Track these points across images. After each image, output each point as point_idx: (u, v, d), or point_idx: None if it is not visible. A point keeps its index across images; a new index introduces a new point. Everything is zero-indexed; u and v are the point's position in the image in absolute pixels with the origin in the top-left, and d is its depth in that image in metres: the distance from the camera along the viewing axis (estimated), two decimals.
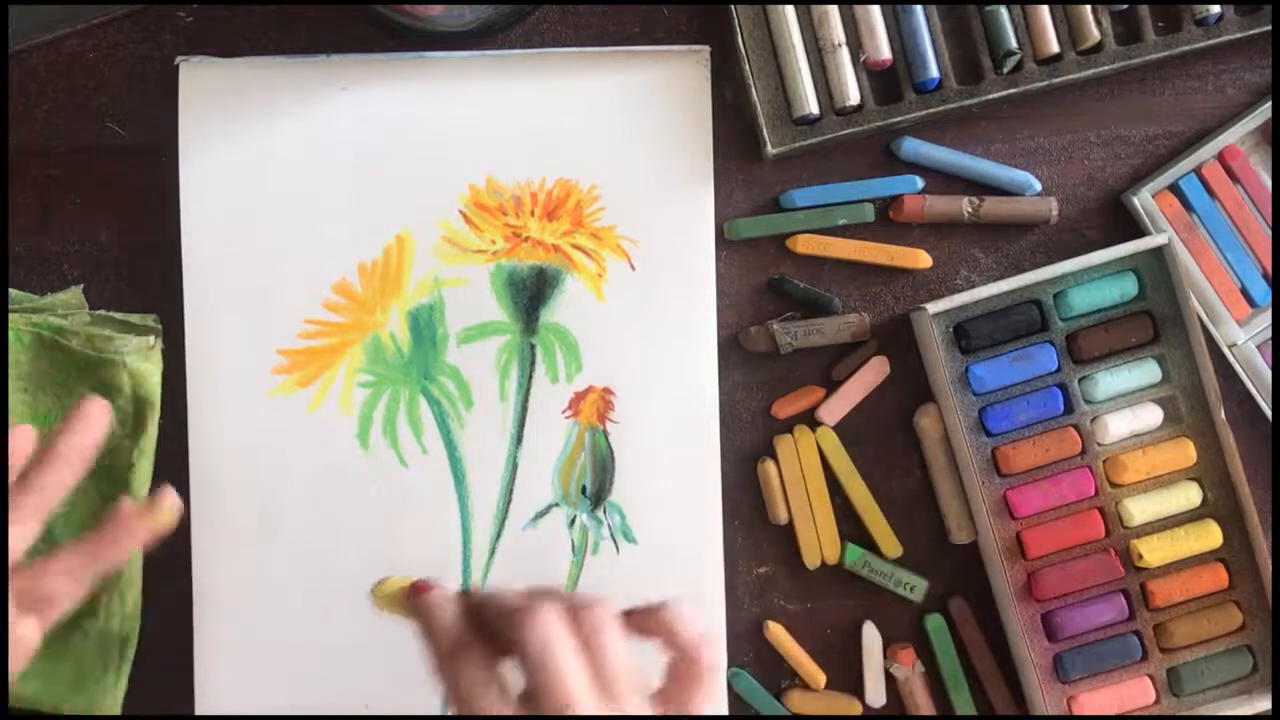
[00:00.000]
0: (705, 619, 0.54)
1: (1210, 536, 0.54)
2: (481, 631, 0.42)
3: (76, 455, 0.43)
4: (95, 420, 0.43)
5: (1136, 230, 0.55)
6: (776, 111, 0.54)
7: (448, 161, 0.53)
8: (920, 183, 0.55)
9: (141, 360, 0.51)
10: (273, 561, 0.53)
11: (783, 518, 0.54)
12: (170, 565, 0.53)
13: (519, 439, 0.54)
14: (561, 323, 0.54)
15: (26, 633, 0.40)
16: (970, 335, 0.53)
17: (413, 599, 0.44)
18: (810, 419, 0.55)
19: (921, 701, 0.55)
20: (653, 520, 0.54)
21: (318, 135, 0.53)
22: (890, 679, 0.55)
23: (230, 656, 0.52)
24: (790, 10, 0.53)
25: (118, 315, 0.52)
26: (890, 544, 0.55)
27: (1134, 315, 0.54)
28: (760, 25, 0.54)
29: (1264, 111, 0.55)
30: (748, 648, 0.55)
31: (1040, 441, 0.53)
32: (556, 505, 0.54)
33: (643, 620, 0.42)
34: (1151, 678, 0.54)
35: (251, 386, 0.53)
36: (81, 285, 0.52)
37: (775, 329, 0.54)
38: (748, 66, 0.53)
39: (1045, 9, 0.54)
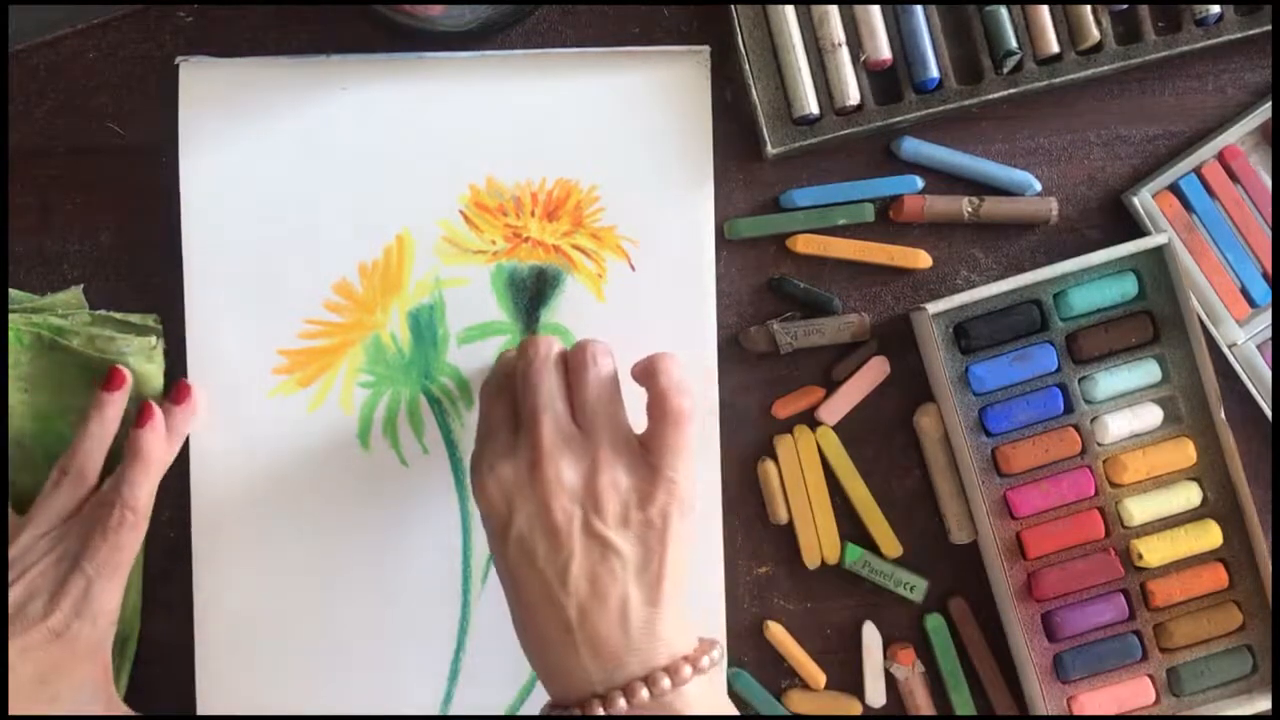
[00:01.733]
0: (705, 621, 0.54)
1: (1210, 536, 0.54)
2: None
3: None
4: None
5: (1136, 230, 0.55)
6: (776, 111, 0.54)
7: (448, 161, 0.53)
8: (920, 183, 0.55)
9: (144, 361, 0.51)
10: (273, 561, 0.53)
11: (783, 518, 0.54)
12: (170, 565, 0.53)
13: None
14: (561, 323, 0.54)
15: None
16: (970, 335, 0.53)
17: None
18: (810, 419, 0.55)
19: (921, 701, 0.55)
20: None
21: (318, 135, 0.53)
22: (890, 679, 0.55)
23: (230, 656, 0.52)
24: (790, 10, 0.53)
25: (118, 315, 0.52)
26: (890, 544, 0.55)
27: (1134, 315, 0.54)
28: (760, 25, 0.54)
29: (1264, 111, 0.55)
30: (748, 648, 0.55)
31: (1040, 441, 0.53)
32: None
33: (637, 367, 0.47)
34: (1151, 678, 0.54)
35: (252, 386, 0.53)
36: (81, 285, 0.52)
37: (775, 329, 0.54)
38: (748, 66, 0.53)
39: (1045, 9, 0.54)
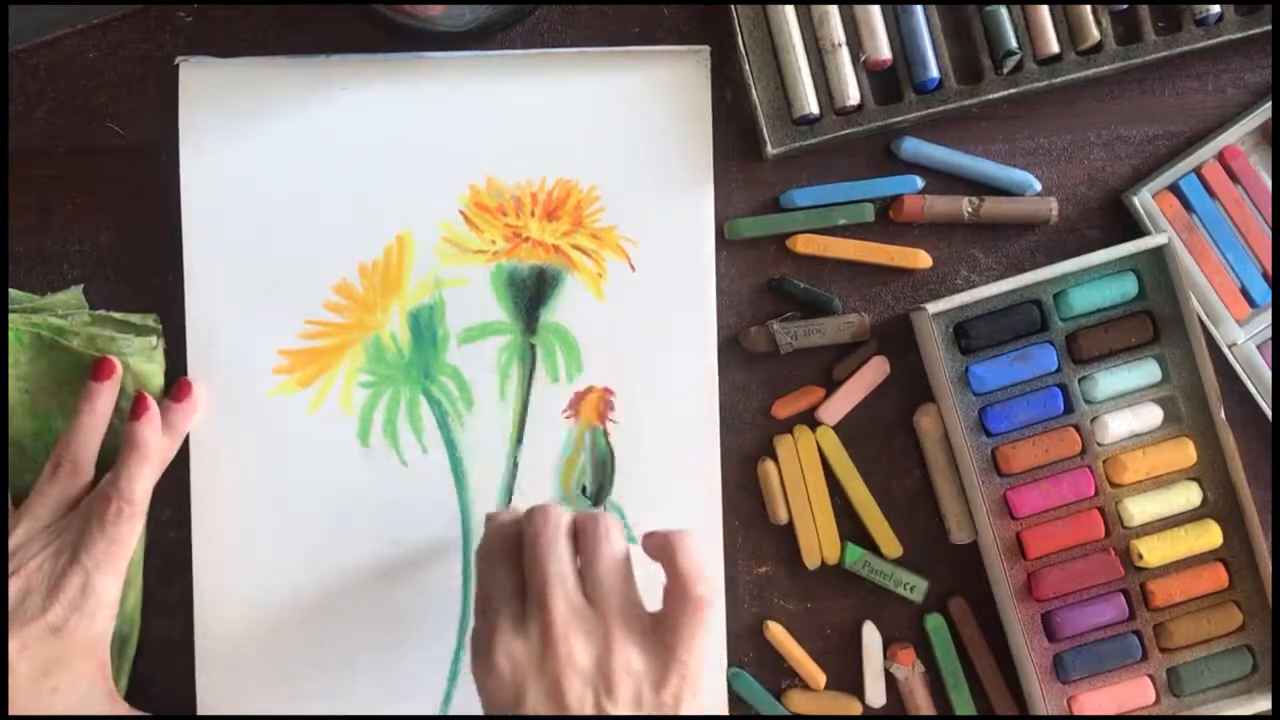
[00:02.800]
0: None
1: (1210, 536, 0.54)
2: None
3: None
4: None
5: (1136, 230, 0.55)
6: (776, 111, 0.54)
7: (448, 161, 0.53)
8: (920, 183, 0.55)
9: (144, 361, 0.51)
10: (273, 561, 0.53)
11: (783, 518, 0.54)
12: (170, 565, 0.53)
13: (519, 439, 0.54)
14: (561, 323, 0.54)
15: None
16: (970, 335, 0.53)
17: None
18: (810, 419, 0.55)
19: (921, 701, 0.55)
20: (653, 520, 0.54)
21: (318, 135, 0.53)
22: (890, 679, 0.55)
23: (231, 656, 0.52)
24: (790, 10, 0.53)
25: (118, 315, 0.52)
26: (890, 544, 0.55)
27: (1134, 315, 0.54)
28: (760, 25, 0.54)
29: (1264, 111, 0.55)
30: (748, 648, 0.55)
31: (1040, 441, 0.53)
32: None
33: (651, 541, 0.46)
34: (1151, 678, 0.54)
35: (252, 386, 0.53)
36: (81, 285, 0.53)
37: (775, 329, 0.54)
38: (748, 66, 0.53)
39: (1045, 9, 0.54)
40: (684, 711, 0.43)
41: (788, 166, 0.55)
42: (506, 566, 0.45)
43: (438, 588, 0.53)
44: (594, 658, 0.43)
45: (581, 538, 0.45)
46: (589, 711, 0.42)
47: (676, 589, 0.44)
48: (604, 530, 0.45)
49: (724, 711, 0.54)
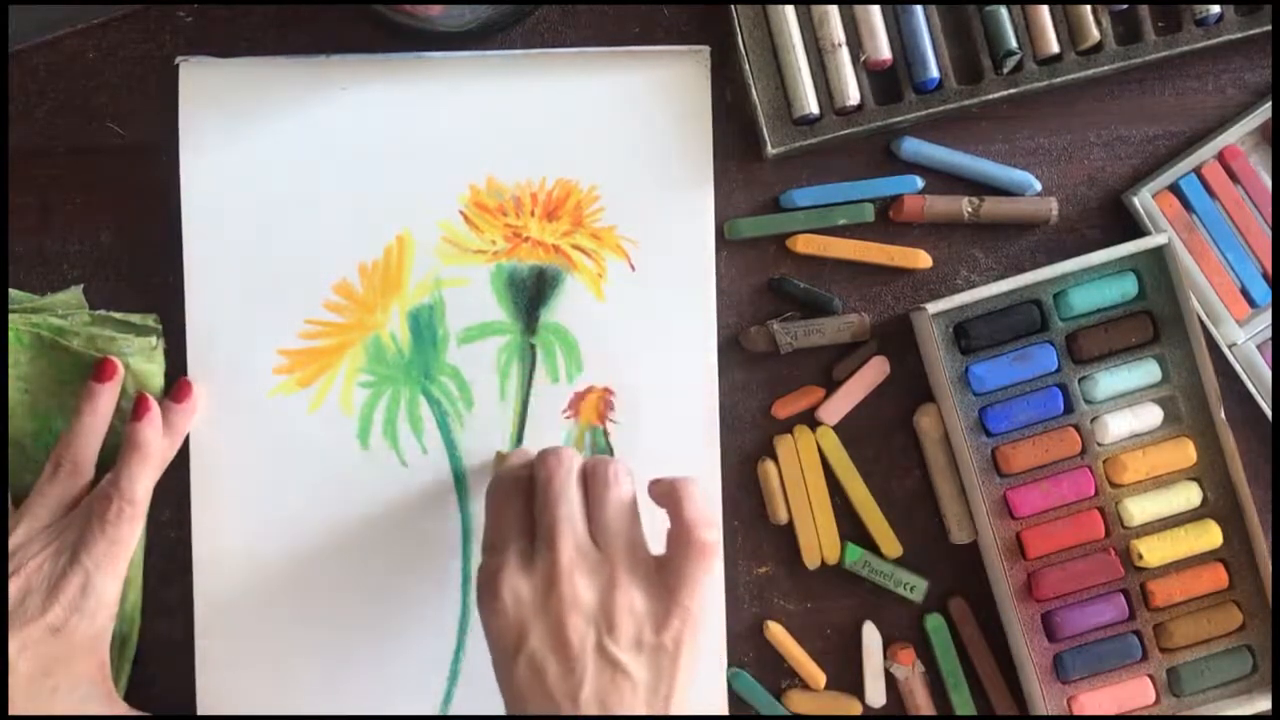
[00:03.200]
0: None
1: (1210, 536, 0.54)
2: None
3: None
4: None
5: (1136, 230, 0.55)
6: (776, 111, 0.54)
7: (448, 161, 0.53)
8: (920, 183, 0.55)
9: (144, 361, 0.51)
10: (272, 561, 0.53)
11: (783, 518, 0.54)
12: (170, 565, 0.53)
13: (519, 439, 0.54)
14: (561, 323, 0.54)
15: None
16: (970, 335, 0.53)
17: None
18: (810, 419, 0.55)
19: (921, 701, 0.55)
20: (653, 520, 0.54)
21: (318, 135, 0.53)
22: (890, 679, 0.55)
23: (230, 656, 0.52)
24: (790, 10, 0.53)
25: (118, 315, 0.52)
26: (890, 544, 0.55)
27: (1134, 315, 0.54)
28: (760, 25, 0.54)
29: (1264, 111, 0.55)
30: (748, 648, 0.55)
31: (1040, 441, 0.53)
32: None
33: (657, 487, 0.47)
34: (1151, 678, 0.54)
35: (252, 386, 0.53)
36: (81, 285, 0.52)
37: (775, 329, 0.54)
38: (748, 66, 0.53)
39: (1045, 9, 0.54)
40: (685, 653, 0.44)
41: (788, 166, 0.55)
42: (516, 507, 0.46)
43: (437, 587, 0.53)
44: (597, 597, 0.43)
45: (591, 481, 0.46)
46: (590, 648, 0.42)
47: (681, 534, 0.45)
48: (613, 474, 0.46)
49: (724, 711, 0.54)
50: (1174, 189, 0.55)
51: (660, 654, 0.43)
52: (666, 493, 0.46)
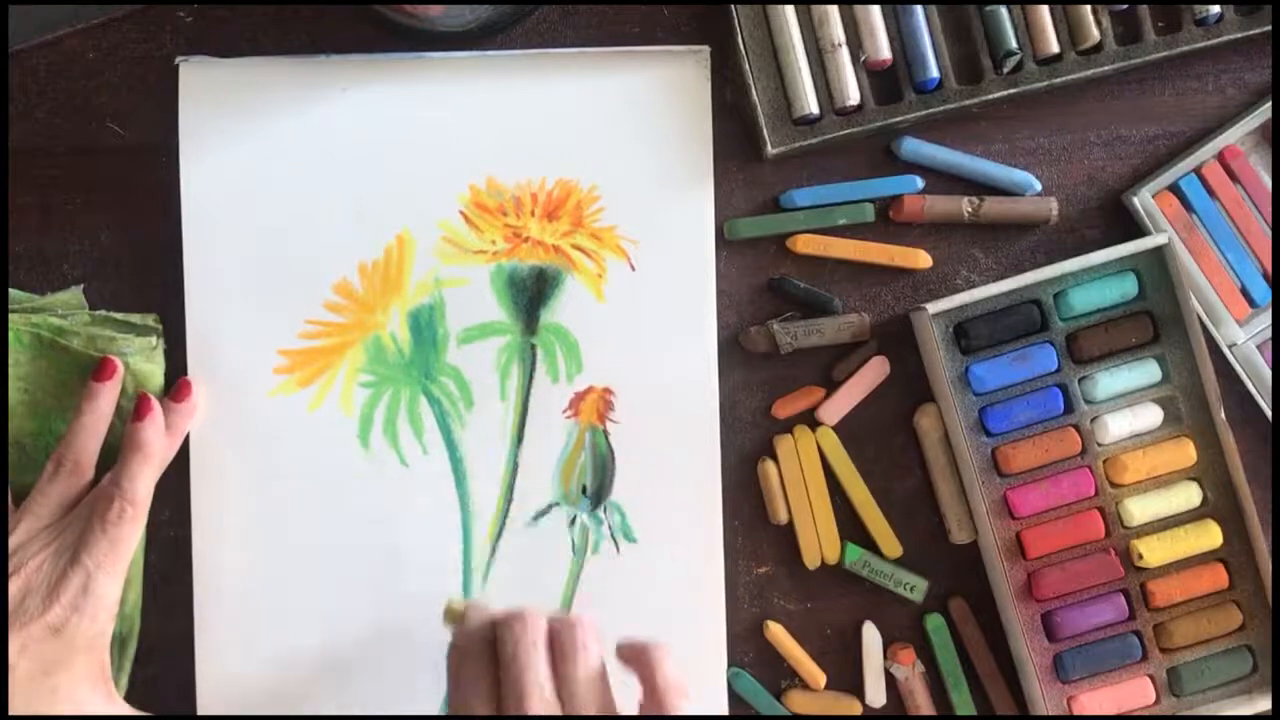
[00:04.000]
0: (705, 621, 0.54)
1: (1210, 536, 0.54)
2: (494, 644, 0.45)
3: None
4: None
5: (1136, 230, 0.55)
6: (776, 111, 0.54)
7: (448, 161, 0.54)
8: (920, 183, 0.55)
9: (144, 361, 0.51)
10: (273, 561, 0.53)
11: (783, 518, 0.54)
12: (170, 565, 0.53)
13: (519, 439, 0.54)
14: (561, 323, 0.54)
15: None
16: (970, 335, 0.53)
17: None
18: (810, 419, 0.55)
19: (921, 701, 0.55)
20: (653, 520, 0.54)
21: (318, 135, 0.53)
22: (890, 679, 0.55)
23: (231, 656, 0.52)
24: (790, 10, 0.53)
25: (118, 315, 0.52)
26: (890, 544, 0.55)
27: (1134, 315, 0.54)
28: (760, 25, 0.54)
29: (1264, 111, 0.55)
30: (748, 648, 0.55)
31: (1040, 441, 0.53)
32: (557, 505, 0.54)
33: (628, 652, 0.46)
34: (1151, 678, 0.54)
35: (252, 386, 0.53)
36: (81, 285, 0.53)
37: (775, 329, 0.54)
38: (748, 66, 0.53)
39: (1045, 9, 0.54)
40: None
41: (788, 166, 0.55)
42: (480, 667, 0.45)
43: (437, 587, 0.53)
44: None
45: (558, 647, 0.45)
46: None
47: (655, 703, 0.44)
48: (581, 641, 0.45)
49: (724, 711, 0.54)
50: (1174, 189, 0.55)
51: None
52: (636, 658, 0.45)
